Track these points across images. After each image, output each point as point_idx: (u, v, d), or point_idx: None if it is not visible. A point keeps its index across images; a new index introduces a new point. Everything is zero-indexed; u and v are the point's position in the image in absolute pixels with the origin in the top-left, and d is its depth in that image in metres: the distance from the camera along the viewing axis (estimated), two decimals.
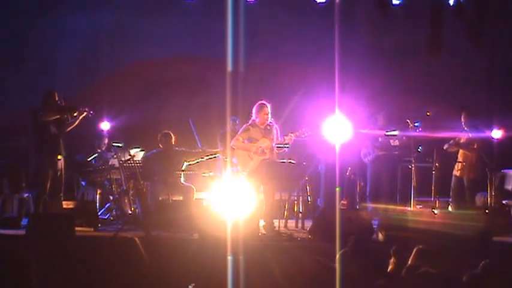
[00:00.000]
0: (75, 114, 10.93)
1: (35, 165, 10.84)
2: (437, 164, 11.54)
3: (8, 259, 5.57)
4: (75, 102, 11.43)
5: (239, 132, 10.69)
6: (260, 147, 10.45)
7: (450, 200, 11.86)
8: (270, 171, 10.41)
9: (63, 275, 7.74)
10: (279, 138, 10.49)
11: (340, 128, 10.21)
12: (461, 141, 11.79)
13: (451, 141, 11.78)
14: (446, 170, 11.80)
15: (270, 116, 10.52)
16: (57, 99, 10.94)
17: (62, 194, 10.91)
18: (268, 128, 10.52)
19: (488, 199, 11.51)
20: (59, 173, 10.84)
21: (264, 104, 10.52)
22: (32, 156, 10.93)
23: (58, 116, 10.80)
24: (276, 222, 10.66)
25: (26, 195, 11.28)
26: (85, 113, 10.96)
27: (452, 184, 11.82)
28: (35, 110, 10.80)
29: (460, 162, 11.76)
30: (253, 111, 10.56)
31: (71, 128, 11.02)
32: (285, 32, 14.11)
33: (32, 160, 10.94)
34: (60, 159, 10.83)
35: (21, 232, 9.98)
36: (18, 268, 5.98)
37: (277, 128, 10.57)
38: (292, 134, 10.48)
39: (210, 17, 14.00)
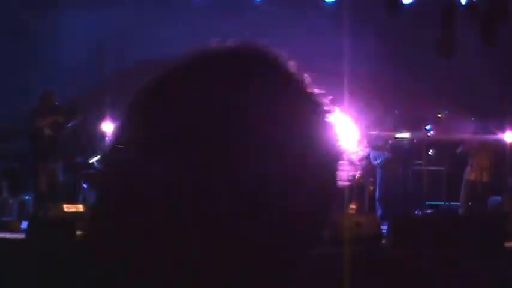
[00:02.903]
0: (72, 117, 10.81)
1: (30, 168, 10.78)
2: (448, 168, 11.39)
3: None
4: (77, 103, 11.34)
5: None
6: None
7: (461, 204, 11.71)
8: None
9: (64, 279, 7.56)
10: None
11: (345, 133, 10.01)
12: (473, 144, 11.64)
13: (463, 145, 11.63)
14: (458, 174, 11.66)
15: None
16: (53, 100, 10.84)
17: (61, 197, 10.80)
18: None
19: (501, 204, 11.37)
20: (54, 176, 10.72)
21: None
22: (28, 158, 10.88)
23: (53, 121, 10.68)
24: None
25: (26, 197, 11.21)
26: (82, 117, 10.90)
27: (464, 188, 11.66)
28: (31, 113, 10.73)
29: (472, 165, 11.60)
30: None
31: (68, 131, 10.92)
32: (292, 31, 13.97)
33: (28, 161, 10.90)
34: (55, 162, 10.71)
35: (21, 236, 9.85)
36: None
37: None
38: None
39: (216, 17, 13.90)
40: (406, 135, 11.62)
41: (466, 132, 11.47)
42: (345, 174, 1.08)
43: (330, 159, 1.04)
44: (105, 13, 13.71)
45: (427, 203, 11.55)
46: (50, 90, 10.94)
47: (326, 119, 1.07)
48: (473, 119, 11.65)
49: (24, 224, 10.59)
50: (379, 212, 11.67)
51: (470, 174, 11.64)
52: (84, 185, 12.04)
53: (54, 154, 10.72)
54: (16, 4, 13.73)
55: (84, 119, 10.95)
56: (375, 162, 12.11)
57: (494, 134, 11.47)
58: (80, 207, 10.84)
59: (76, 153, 11.95)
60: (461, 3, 11.45)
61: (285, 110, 1.02)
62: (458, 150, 11.65)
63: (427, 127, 11.38)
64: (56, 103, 10.86)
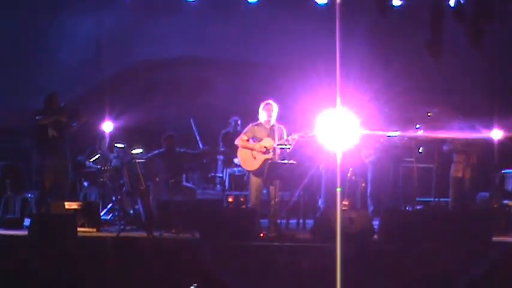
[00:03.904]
0: (75, 119, 10.98)
1: (35, 166, 10.93)
2: (438, 165, 11.56)
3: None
4: (76, 104, 11.46)
5: (244, 131, 10.65)
6: (264, 146, 10.43)
7: (450, 200, 11.86)
8: (272, 172, 10.41)
9: (66, 276, 7.77)
10: (285, 139, 10.43)
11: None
12: (461, 142, 11.77)
13: (450, 142, 11.76)
14: (447, 171, 11.82)
15: (275, 115, 10.46)
16: (58, 101, 10.99)
17: (64, 195, 10.95)
18: (274, 128, 10.47)
19: (489, 199, 11.54)
20: (60, 175, 10.87)
21: (269, 103, 10.47)
22: (33, 157, 11.00)
23: (55, 120, 10.83)
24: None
25: (28, 195, 11.35)
26: (85, 119, 11.06)
27: (452, 184, 11.80)
28: (35, 112, 10.87)
29: (460, 163, 11.73)
30: (259, 110, 10.52)
31: (72, 131, 11.07)
32: (285, 33, 14.11)
33: (33, 161, 11.04)
34: (59, 161, 10.85)
35: (24, 233, 10.03)
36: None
37: (283, 128, 10.52)
38: (295, 135, 10.45)
39: (211, 18, 14.04)
40: (396, 133, 11.76)
41: (454, 130, 11.62)
42: None
43: None
44: (104, 13, 13.77)
45: (418, 199, 11.74)
46: (55, 92, 11.08)
47: None
48: (461, 117, 11.81)
49: (26, 221, 10.79)
50: (370, 208, 11.82)
51: (457, 171, 11.81)
52: (85, 184, 12.20)
53: (58, 153, 10.86)
54: (16, 5, 13.83)
55: (86, 120, 11.10)
56: (367, 160, 12.29)
57: (481, 132, 11.61)
58: (81, 205, 11.01)
59: (77, 152, 12.06)
60: (450, 5, 11.63)
61: None
62: (445, 148, 11.81)
63: (417, 125, 11.54)
64: (62, 104, 11.01)
